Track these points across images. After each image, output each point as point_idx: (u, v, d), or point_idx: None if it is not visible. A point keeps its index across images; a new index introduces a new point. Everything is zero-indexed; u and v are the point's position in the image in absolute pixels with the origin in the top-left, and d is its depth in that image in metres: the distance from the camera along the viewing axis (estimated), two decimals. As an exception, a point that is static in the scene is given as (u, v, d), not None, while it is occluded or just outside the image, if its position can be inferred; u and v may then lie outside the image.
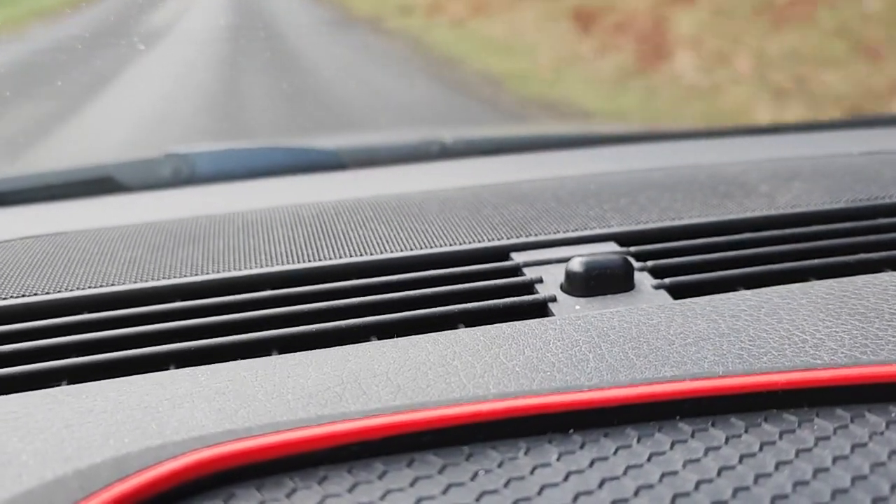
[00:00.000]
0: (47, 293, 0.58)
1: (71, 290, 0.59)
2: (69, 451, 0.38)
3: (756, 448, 0.37)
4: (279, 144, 1.18)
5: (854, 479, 0.35)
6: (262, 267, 0.61)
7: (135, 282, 0.60)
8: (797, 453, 0.37)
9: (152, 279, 0.60)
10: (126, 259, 0.64)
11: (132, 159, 1.10)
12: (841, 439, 0.38)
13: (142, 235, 0.70)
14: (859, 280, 0.54)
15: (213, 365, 0.46)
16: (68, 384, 0.47)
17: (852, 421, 0.39)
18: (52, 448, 0.38)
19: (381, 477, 0.36)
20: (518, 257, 0.62)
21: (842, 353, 0.44)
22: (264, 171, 1.02)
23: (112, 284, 0.59)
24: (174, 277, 0.60)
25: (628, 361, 0.44)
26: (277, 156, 1.09)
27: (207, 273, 0.61)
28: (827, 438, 0.38)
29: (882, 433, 0.38)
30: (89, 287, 0.59)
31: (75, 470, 0.36)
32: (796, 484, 0.35)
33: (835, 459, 0.36)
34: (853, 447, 0.37)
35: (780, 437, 0.38)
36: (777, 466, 0.36)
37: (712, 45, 4.65)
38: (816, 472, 0.36)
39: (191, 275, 0.61)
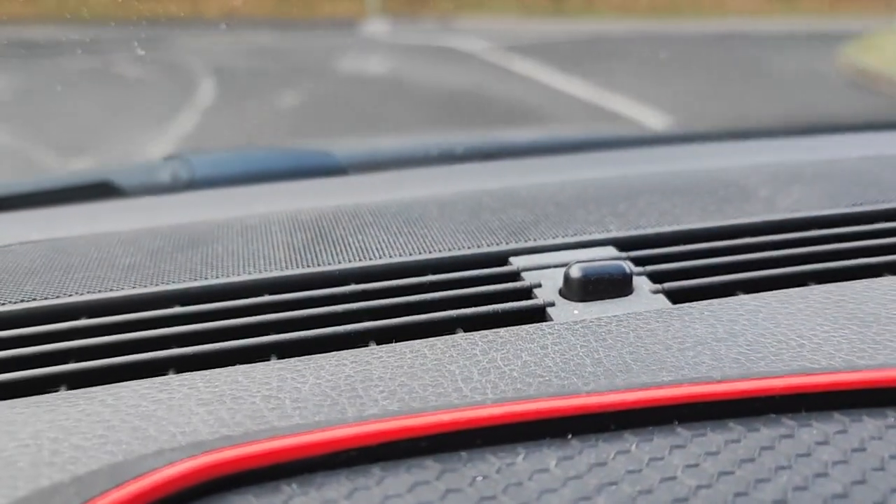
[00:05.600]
0: (46, 298, 0.58)
1: (69, 296, 0.59)
2: (66, 457, 0.38)
3: (755, 453, 0.37)
4: (279, 148, 1.18)
5: (852, 484, 0.35)
6: (260, 272, 0.61)
7: (133, 287, 0.60)
8: (795, 458, 0.37)
9: (151, 284, 0.60)
10: (125, 264, 0.64)
11: (131, 164, 1.10)
12: (839, 443, 0.38)
13: (140, 240, 0.70)
14: (858, 284, 0.53)
15: (211, 370, 0.46)
16: (66, 390, 0.47)
17: (850, 425, 0.39)
18: (49, 454, 0.38)
19: (379, 482, 0.36)
20: (517, 262, 0.62)
21: (839, 357, 0.44)
22: (264, 175, 1.02)
23: (111, 290, 0.59)
24: (173, 283, 0.60)
25: (626, 366, 0.44)
26: (277, 160, 1.10)
27: (206, 278, 0.61)
28: (825, 443, 0.38)
29: (880, 437, 0.38)
30: (88, 292, 0.59)
31: (72, 476, 0.36)
32: (795, 489, 0.35)
33: (833, 464, 0.36)
34: (851, 451, 0.37)
35: (779, 441, 0.38)
36: (776, 471, 0.36)
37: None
38: (815, 476, 0.36)
39: (189, 280, 0.61)
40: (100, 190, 0.97)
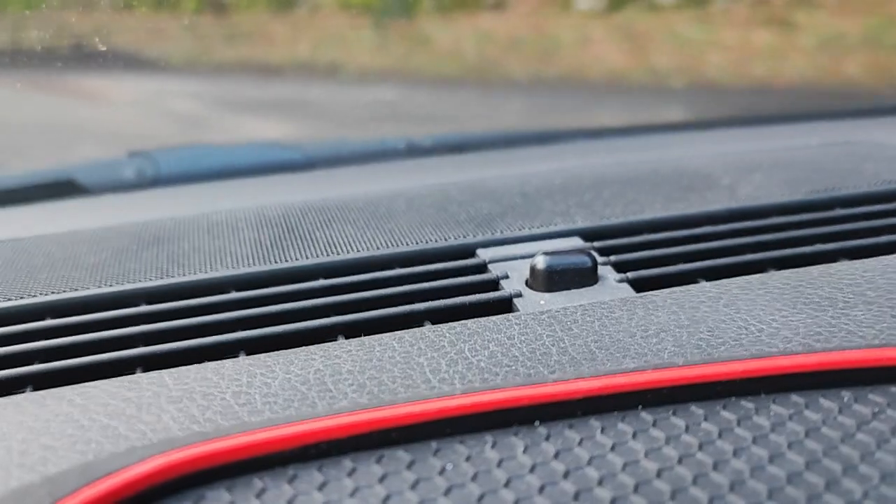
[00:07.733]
0: (9, 299, 0.58)
1: (34, 296, 0.58)
2: (35, 458, 0.38)
3: (715, 435, 0.38)
4: (244, 144, 1.17)
5: (808, 463, 0.36)
6: (227, 269, 0.61)
7: (99, 286, 0.59)
8: (754, 439, 0.38)
9: (117, 283, 0.60)
10: (90, 263, 0.64)
11: (94, 161, 1.09)
12: (796, 424, 0.39)
13: (105, 239, 0.69)
14: (815, 270, 0.55)
15: (179, 368, 0.46)
16: (33, 391, 0.47)
17: (807, 407, 0.40)
18: (19, 455, 0.38)
19: (350, 474, 0.37)
20: (484, 254, 0.63)
21: (796, 341, 0.45)
22: (230, 171, 1.02)
23: (76, 289, 0.59)
24: (139, 281, 0.60)
25: (591, 354, 0.45)
26: (243, 156, 1.09)
27: (173, 276, 0.61)
28: (783, 424, 0.39)
29: (835, 418, 0.39)
30: (52, 292, 0.59)
31: (42, 477, 0.36)
32: (753, 469, 0.36)
33: (790, 444, 0.38)
34: (807, 432, 0.38)
35: (738, 423, 0.39)
36: (735, 453, 0.37)
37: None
38: (773, 457, 0.37)
39: (156, 278, 0.60)
40: (63, 188, 0.96)
